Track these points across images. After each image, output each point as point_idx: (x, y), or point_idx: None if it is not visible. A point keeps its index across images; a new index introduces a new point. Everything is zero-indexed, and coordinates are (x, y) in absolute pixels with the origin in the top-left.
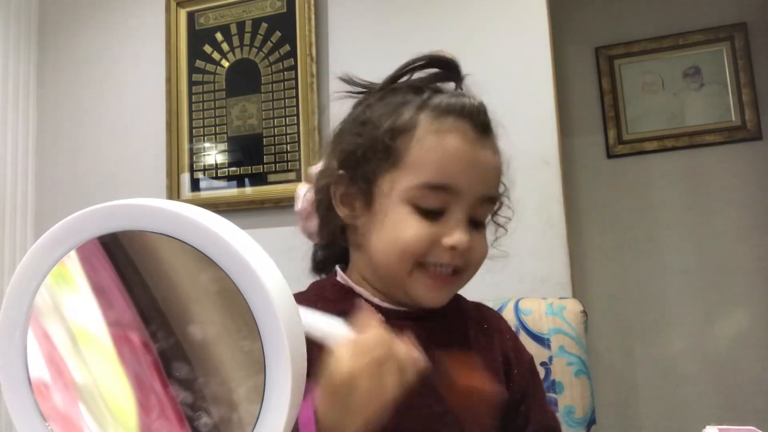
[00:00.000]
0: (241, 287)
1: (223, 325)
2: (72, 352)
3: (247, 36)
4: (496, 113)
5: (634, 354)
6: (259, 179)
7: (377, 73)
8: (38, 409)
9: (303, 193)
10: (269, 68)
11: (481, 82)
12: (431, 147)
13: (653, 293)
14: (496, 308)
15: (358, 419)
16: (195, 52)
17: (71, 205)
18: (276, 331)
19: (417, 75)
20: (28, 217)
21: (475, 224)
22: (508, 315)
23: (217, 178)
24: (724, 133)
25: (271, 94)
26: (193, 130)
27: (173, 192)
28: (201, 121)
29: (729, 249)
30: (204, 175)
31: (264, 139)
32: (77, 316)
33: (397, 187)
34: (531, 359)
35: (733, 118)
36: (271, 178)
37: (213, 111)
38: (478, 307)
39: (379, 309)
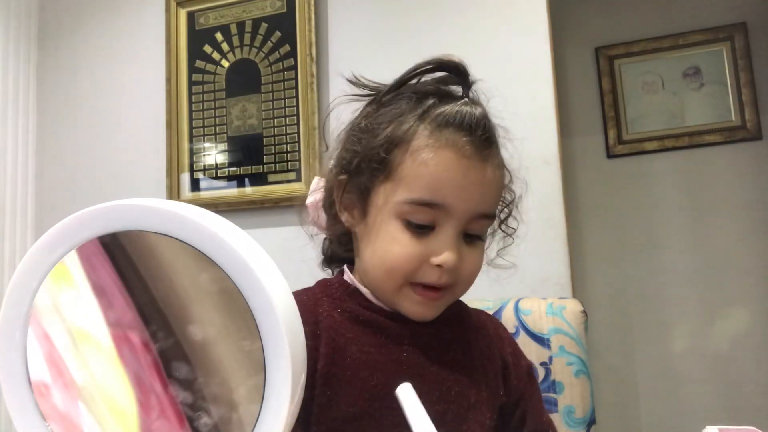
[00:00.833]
0: (241, 287)
1: (223, 325)
2: (72, 352)
3: (247, 36)
4: (499, 117)
5: (634, 354)
6: (259, 179)
7: (377, 73)
8: (38, 409)
9: (316, 186)
10: (269, 68)
11: (481, 82)
12: (423, 162)
13: (653, 293)
14: (496, 308)
15: None
16: (195, 52)
17: (71, 205)
18: (276, 331)
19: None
20: (28, 217)
21: (471, 237)
22: (508, 315)
23: (217, 178)
24: (724, 133)
25: (271, 94)
26: (193, 130)
27: (173, 192)
28: (201, 121)
29: (729, 249)
30: (204, 175)
31: (264, 139)
32: (77, 316)
33: (390, 201)
34: (530, 365)
35: (733, 118)
36: (271, 178)
37: (213, 111)
38: (479, 313)
39: (382, 312)
